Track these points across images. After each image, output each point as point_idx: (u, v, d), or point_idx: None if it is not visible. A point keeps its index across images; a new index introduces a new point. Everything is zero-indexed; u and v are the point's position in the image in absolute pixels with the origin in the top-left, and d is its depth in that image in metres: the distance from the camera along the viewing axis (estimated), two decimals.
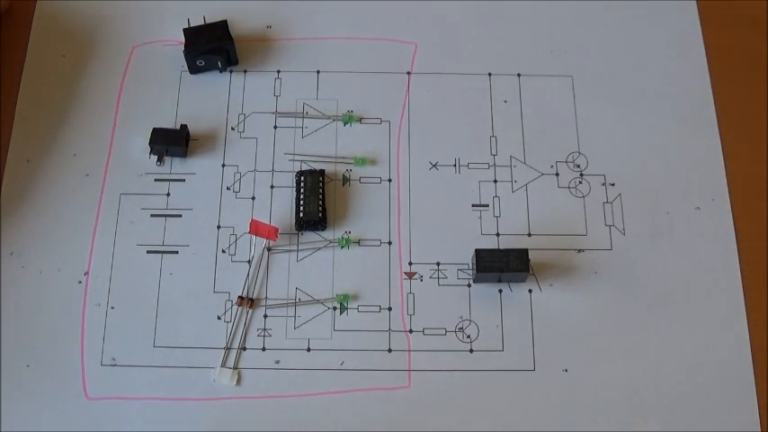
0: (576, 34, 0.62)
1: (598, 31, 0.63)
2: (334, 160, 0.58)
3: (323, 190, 0.56)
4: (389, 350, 0.53)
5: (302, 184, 0.56)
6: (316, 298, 0.54)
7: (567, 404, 0.52)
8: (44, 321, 0.53)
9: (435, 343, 0.53)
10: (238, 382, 0.52)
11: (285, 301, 0.54)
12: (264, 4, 0.63)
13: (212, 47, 0.59)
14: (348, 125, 0.59)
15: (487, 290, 0.55)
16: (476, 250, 0.53)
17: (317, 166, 0.57)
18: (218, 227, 0.56)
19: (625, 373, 0.53)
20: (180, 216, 0.56)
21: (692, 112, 0.60)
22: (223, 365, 0.52)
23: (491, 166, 0.58)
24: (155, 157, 0.57)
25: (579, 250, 0.56)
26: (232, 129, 0.59)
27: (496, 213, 0.57)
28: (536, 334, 0.54)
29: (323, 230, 0.56)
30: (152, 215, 0.56)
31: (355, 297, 0.54)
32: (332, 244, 0.56)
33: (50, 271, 0.55)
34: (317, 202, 0.56)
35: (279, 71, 0.61)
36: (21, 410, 0.51)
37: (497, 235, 0.56)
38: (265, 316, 0.54)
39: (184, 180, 0.57)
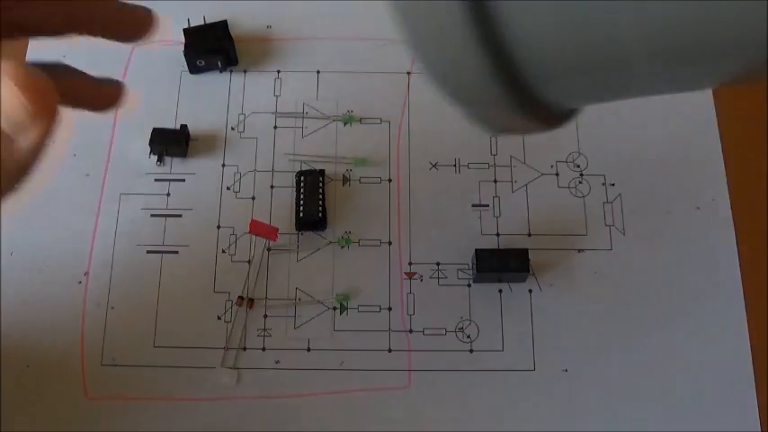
0: None
1: None
2: (334, 160, 0.58)
3: (323, 190, 0.56)
4: (389, 350, 0.53)
5: (302, 184, 0.56)
6: (316, 298, 0.54)
7: (567, 404, 0.52)
8: (44, 321, 0.53)
9: (435, 343, 0.53)
10: (238, 381, 0.52)
11: (285, 301, 0.54)
12: (264, 4, 0.63)
13: (212, 47, 0.59)
14: (348, 125, 0.59)
15: (487, 290, 0.55)
16: (476, 250, 0.53)
17: (317, 166, 0.57)
18: (218, 227, 0.56)
19: (625, 374, 0.53)
20: (180, 216, 0.56)
21: (692, 112, 0.60)
22: (223, 365, 0.52)
23: (491, 166, 0.58)
24: (155, 157, 0.57)
25: (579, 250, 0.56)
26: (232, 129, 0.59)
27: (496, 213, 0.57)
28: (536, 334, 0.54)
29: (323, 230, 0.56)
30: (152, 215, 0.56)
31: (355, 297, 0.54)
32: (332, 244, 0.56)
33: (50, 271, 0.55)
34: (317, 202, 0.55)
35: (279, 71, 0.61)
36: (21, 410, 0.51)
37: (497, 235, 0.56)
38: (265, 316, 0.54)
39: (184, 180, 0.57)
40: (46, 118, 0.28)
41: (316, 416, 0.51)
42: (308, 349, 0.53)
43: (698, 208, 0.57)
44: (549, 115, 0.28)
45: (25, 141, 0.28)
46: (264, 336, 0.53)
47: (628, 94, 0.28)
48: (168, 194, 0.57)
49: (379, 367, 0.53)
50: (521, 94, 0.26)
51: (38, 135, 0.28)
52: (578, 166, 0.58)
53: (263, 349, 0.53)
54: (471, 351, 0.53)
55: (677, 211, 0.57)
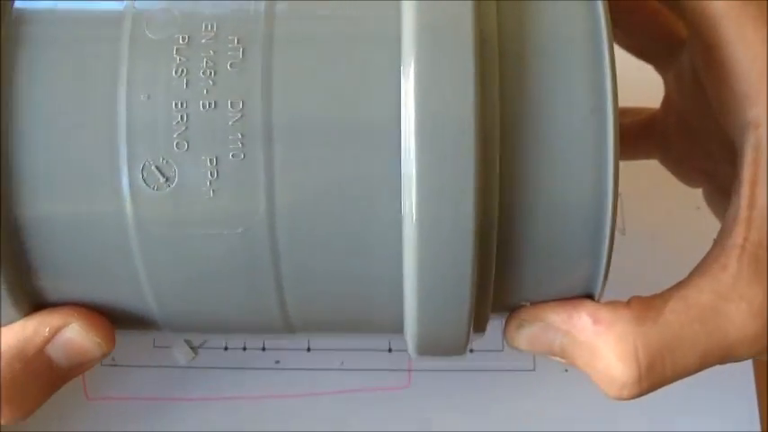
0: None
1: None
2: None
3: None
4: (389, 350, 0.53)
5: None
6: None
7: (567, 404, 0.52)
8: None
9: None
10: (238, 381, 0.52)
11: None
12: None
13: None
14: None
15: None
16: None
17: None
18: None
19: None
20: None
21: None
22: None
23: None
24: None
25: None
26: None
27: None
28: None
29: None
30: None
31: None
32: None
33: None
34: None
35: None
36: None
37: None
38: None
39: None
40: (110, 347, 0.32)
41: (316, 416, 0.51)
42: (308, 349, 0.53)
43: (698, 208, 0.57)
44: None
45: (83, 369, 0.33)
46: None
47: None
48: None
49: (379, 367, 0.53)
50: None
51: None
52: None
53: (263, 349, 0.53)
54: (471, 351, 0.53)
55: (677, 211, 0.57)
